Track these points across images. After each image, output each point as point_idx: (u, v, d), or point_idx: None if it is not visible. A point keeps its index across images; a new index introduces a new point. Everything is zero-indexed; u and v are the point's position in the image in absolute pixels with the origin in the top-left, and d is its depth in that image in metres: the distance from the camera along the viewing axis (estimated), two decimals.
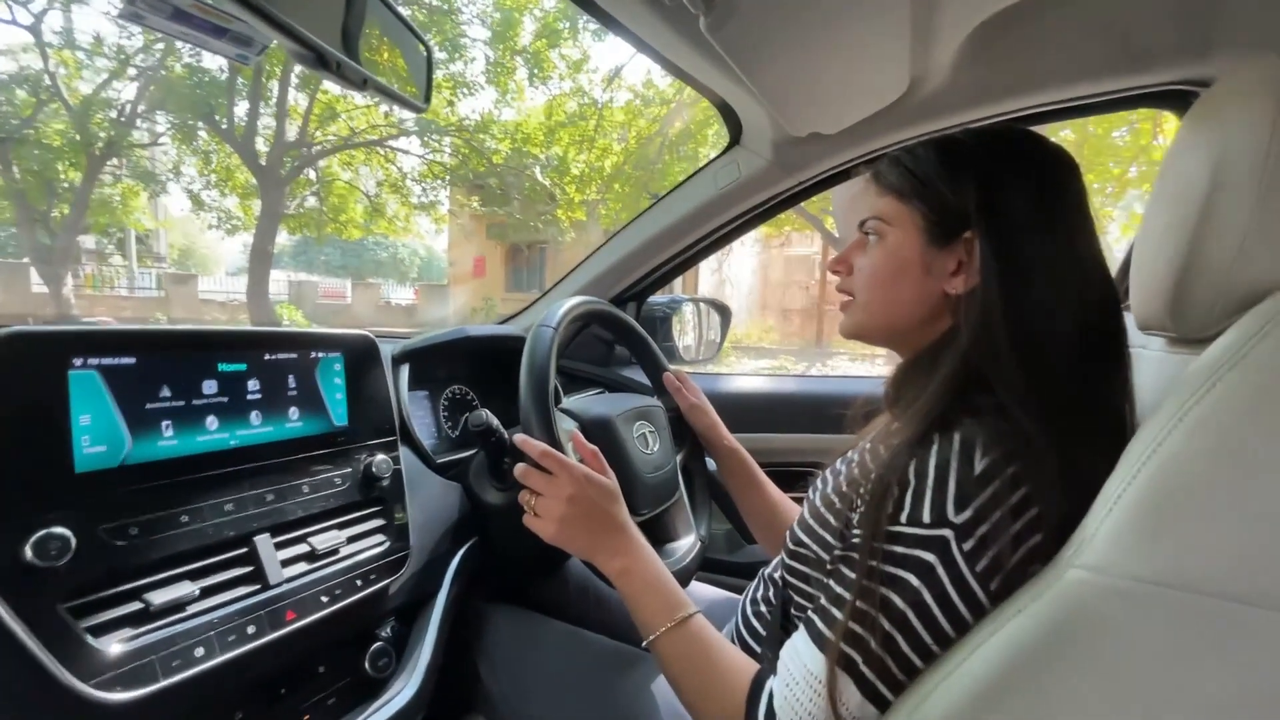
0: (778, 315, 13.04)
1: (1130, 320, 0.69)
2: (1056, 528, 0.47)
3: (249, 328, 0.65)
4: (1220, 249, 0.54)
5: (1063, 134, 7.05)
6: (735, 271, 12.84)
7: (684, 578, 0.86)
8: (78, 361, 0.51)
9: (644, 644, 0.62)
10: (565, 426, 0.87)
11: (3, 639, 0.43)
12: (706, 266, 12.12)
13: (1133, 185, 7.83)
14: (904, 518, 0.50)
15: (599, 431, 0.87)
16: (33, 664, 0.44)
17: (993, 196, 0.56)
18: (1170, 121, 0.97)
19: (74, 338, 0.51)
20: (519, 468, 0.70)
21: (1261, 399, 0.40)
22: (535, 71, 9.46)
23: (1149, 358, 0.69)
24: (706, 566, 0.94)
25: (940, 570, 0.48)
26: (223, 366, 0.62)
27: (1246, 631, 0.40)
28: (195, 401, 0.59)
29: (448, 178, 10.86)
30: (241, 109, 9.34)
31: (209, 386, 0.61)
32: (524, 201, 10.56)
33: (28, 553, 0.45)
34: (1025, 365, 0.52)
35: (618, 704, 0.76)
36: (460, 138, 9.95)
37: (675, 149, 9.56)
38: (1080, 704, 0.44)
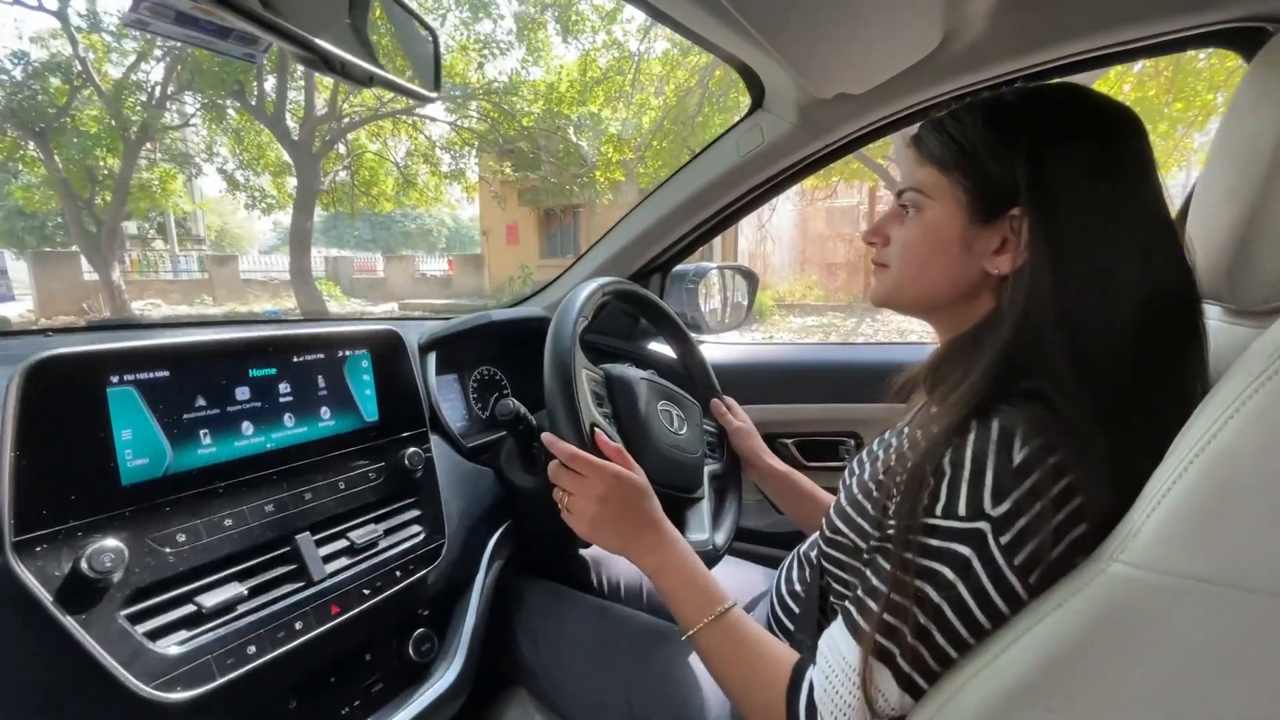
0: (822, 270, 12.66)
1: None
2: (1102, 519, 0.45)
3: (275, 332, 0.66)
4: None
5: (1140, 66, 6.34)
6: (776, 227, 12.47)
7: None
8: (114, 379, 0.52)
9: (683, 637, 0.63)
10: (592, 377, 0.86)
11: (69, 648, 0.46)
12: (747, 223, 11.79)
13: (1218, 113, 7.20)
14: (939, 510, 0.48)
15: (622, 389, 0.86)
16: (98, 670, 0.47)
17: (1044, 169, 0.52)
18: None
19: (108, 356, 0.52)
20: (551, 467, 0.70)
21: None
22: (568, 26, 9.06)
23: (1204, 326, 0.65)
24: (738, 536, 0.94)
25: (977, 564, 0.47)
26: (254, 372, 0.63)
27: None
28: (230, 408, 0.61)
29: (476, 144, 10.64)
30: (269, 85, 9.30)
31: (242, 393, 0.62)
32: (557, 165, 10.28)
33: (84, 566, 0.48)
34: (1074, 353, 0.49)
35: (655, 677, 0.77)
36: (489, 101, 9.68)
37: (716, 100, 9.03)
38: (1120, 701, 0.42)
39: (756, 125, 1.09)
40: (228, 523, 0.58)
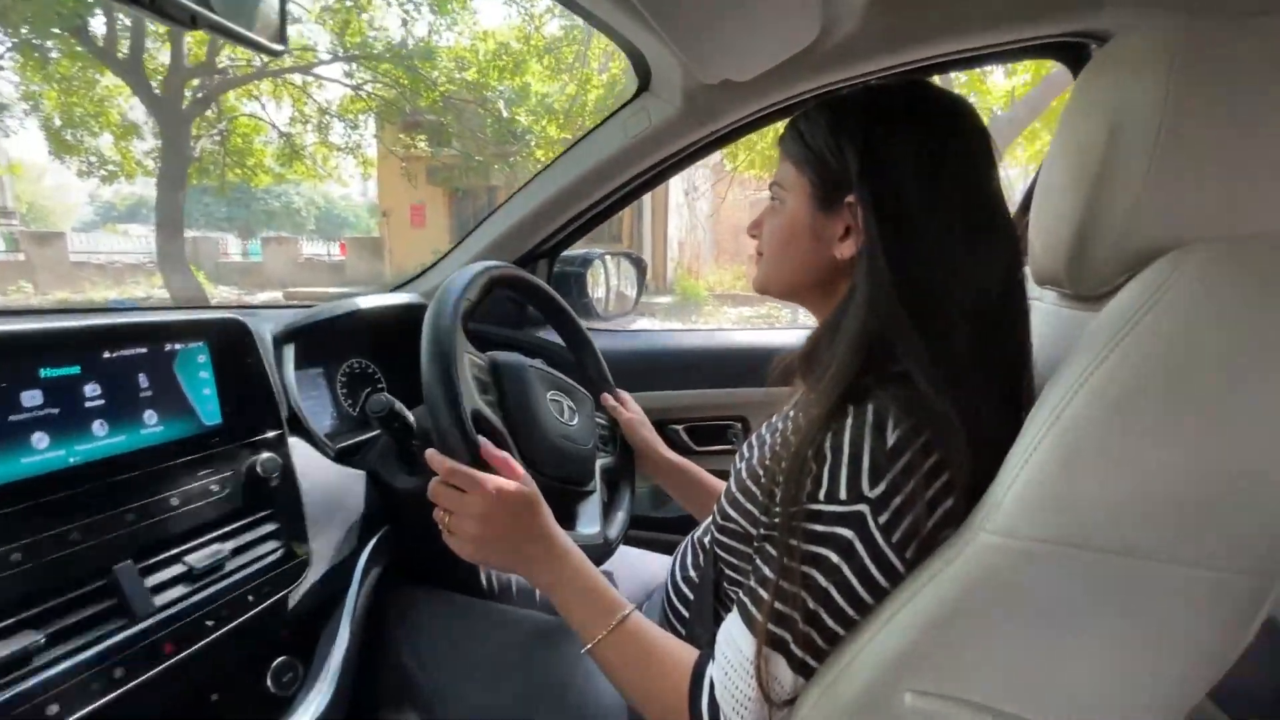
0: (749, 261, 12.67)
1: (1027, 273, 0.71)
2: (967, 491, 0.48)
3: (75, 323, 0.55)
4: (1116, 209, 0.55)
5: None
6: (708, 215, 12.36)
7: None
8: None
9: (583, 651, 0.60)
10: (476, 363, 0.80)
11: None
12: (676, 209, 11.49)
13: None
14: (822, 495, 0.49)
15: (509, 375, 0.81)
16: None
17: (873, 158, 0.55)
18: None
19: None
20: (431, 486, 0.64)
21: (1153, 365, 0.42)
22: None
23: (1043, 310, 0.71)
24: (632, 524, 0.92)
25: (859, 545, 0.48)
26: (47, 372, 0.52)
27: (1134, 582, 0.43)
28: (14, 417, 0.50)
29: (377, 111, 9.29)
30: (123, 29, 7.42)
31: (31, 398, 0.51)
32: (482, 141, 9.37)
33: None
34: (921, 329, 0.51)
35: (552, 683, 0.74)
36: (402, 67, 8.42)
37: None
38: (992, 662, 0.46)
39: (643, 108, 1.07)
40: (16, 558, 0.47)
